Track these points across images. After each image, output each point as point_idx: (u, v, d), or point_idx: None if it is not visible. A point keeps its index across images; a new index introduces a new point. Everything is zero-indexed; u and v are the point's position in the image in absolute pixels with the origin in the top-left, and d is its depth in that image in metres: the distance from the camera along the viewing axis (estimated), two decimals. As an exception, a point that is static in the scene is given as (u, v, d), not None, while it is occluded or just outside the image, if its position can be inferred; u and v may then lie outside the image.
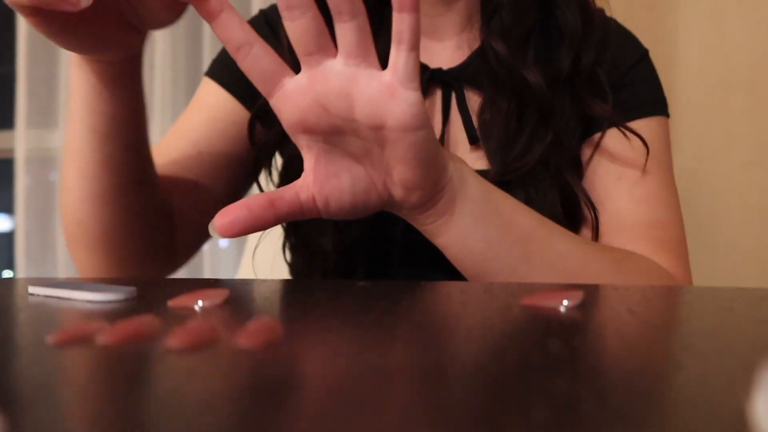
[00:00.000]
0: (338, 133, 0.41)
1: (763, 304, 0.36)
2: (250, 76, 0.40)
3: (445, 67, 0.63)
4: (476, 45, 0.63)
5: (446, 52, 0.65)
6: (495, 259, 0.47)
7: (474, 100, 0.62)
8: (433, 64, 0.63)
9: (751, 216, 1.09)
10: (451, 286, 0.40)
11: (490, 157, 0.60)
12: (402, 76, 0.39)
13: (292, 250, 0.68)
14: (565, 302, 0.33)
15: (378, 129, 0.40)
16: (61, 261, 1.49)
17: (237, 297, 0.36)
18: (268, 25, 0.68)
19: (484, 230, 0.46)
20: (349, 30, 0.38)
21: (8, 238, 1.64)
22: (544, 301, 0.33)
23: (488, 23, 0.61)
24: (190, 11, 0.42)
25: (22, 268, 1.50)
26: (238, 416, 0.17)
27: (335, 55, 0.40)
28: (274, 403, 0.18)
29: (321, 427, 0.16)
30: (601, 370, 0.22)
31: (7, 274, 1.98)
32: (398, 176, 0.42)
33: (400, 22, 0.38)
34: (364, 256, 0.63)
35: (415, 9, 0.37)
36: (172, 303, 0.33)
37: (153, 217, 0.59)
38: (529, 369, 0.22)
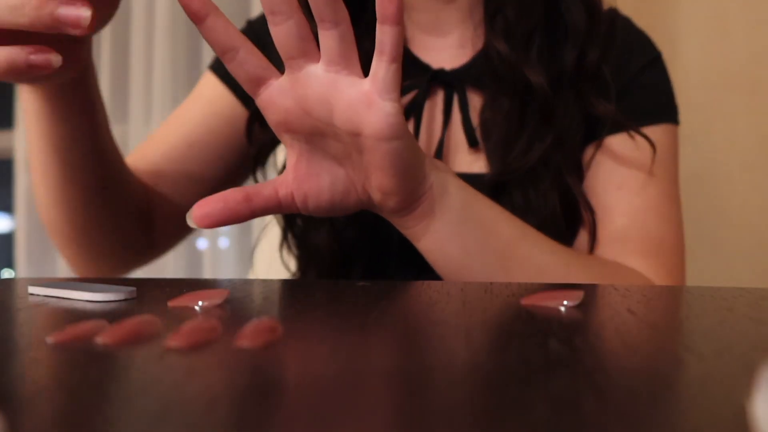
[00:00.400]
0: (319, 135, 0.42)
1: (763, 304, 0.36)
2: (237, 77, 0.41)
3: (448, 67, 0.63)
4: (480, 45, 0.63)
5: (450, 51, 0.64)
6: (472, 268, 0.47)
7: (476, 101, 0.62)
8: (436, 64, 0.63)
9: (751, 216, 1.09)
10: (451, 286, 0.40)
11: (490, 157, 0.59)
12: (381, 87, 0.39)
13: (288, 250, 0.68)
14: (565, 302, 0.33)
15: (355, 135, 0.41)
16: (61, 261, 1.49)
17: (237, 297, 0.36)
18: (255, 36, 0.68)
19: (462, 240, 0.47)
20: (331, 37, 0.39)
21: (8, 238, 1.64)
22: (544, 301, 0.33)
23: (491, 22, 0.61)
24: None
25: (22, 268, 1.50)
26: (238, 416, 0.17)
27: (318, 60, 0.40)
28: (274, 403, 0.18)
29: (321, 427, 0.16)
30: (601, 369, 0.22)
31: (7, 274, 1.98)
32: (375, 181, 0.43)
33: (383, 34, 0.38)
34: (361, 257, 0.63)
35: (398, 22, 0.38)
36: (172, 303, 0.33)
37: (126, 215, 0.60)
38: (529, 369, 0.22)
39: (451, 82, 0.62)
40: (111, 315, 0.31)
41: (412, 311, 0.34)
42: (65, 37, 0.41)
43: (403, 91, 0.62)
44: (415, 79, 0.61)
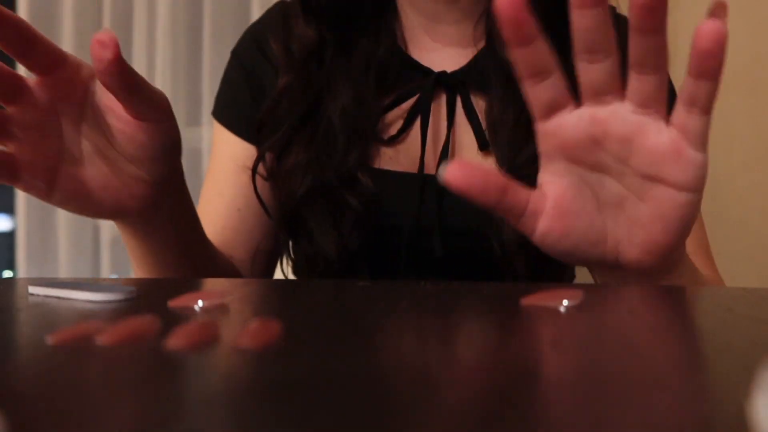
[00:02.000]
0: (600, 172, 0.41)
1: (763, 304, 0.36)
2: (533, 97, 0.40)
3: (449, 69, 0.62)
4: (482, 43, 0.62)
5: (450, 52, 0.63)
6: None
7: (480, 104, 0.61)
8: (437, 67, 0.62)
9: (751, 216, 1.09)
10: (451, 286, 0.40)
11: (499, 160, 0.58)
12: (693, 138, 0.39)
13: (294, 255, 0.68)
14: (565, 302, 0.33)
15: (651, 181, 0.39)
16: (61, 261, 1.49)
17: (237, 297, 0.36)
18: (256, 43, 0.67)
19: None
20: (647, 82, 0.38)
21: (9, 237, 1.64)
22: (544, 301, 0.33)
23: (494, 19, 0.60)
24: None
25: (22, 268, 1.50)
26: (238, 416, 0.17)
27: (623, 99, 0.39)
28: (274, 403, 0.18)
29: (320, 427, 0.16)
30: (602, 369, 0.22)
31: (7, 274, 1.98)
32: (645, 236, 0.41)
33: (698, 88, 0.37)
34: (367, 265, 0.62)
35: (715, 77, 0.37)
36: (172, 303, 0.33)
37: None
38: (529, 369, 0.22)
39: (454, 84, 0.61)
40: (111, 315, 0.31)
41: (412, 312, 0.34)
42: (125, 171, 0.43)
43: (405, 96, 0.61)
44: (416, 82, 0.61)
